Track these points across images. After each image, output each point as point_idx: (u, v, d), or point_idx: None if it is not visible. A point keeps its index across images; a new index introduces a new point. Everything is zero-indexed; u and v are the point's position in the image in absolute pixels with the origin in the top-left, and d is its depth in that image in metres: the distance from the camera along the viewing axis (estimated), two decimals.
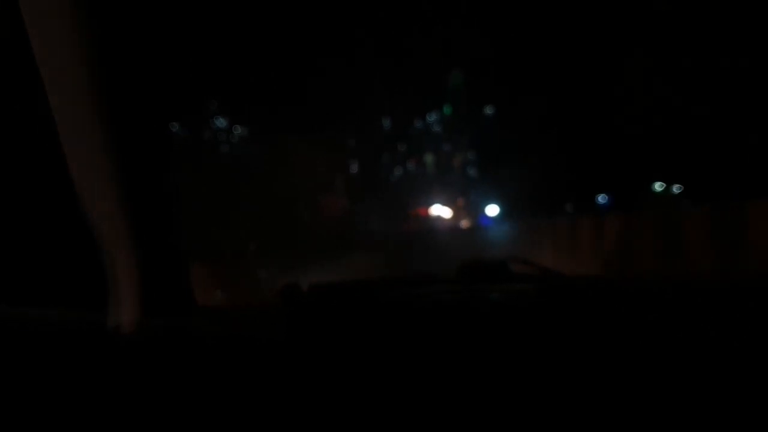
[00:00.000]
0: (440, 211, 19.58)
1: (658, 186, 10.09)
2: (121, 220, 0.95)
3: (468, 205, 19.26)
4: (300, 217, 12.64)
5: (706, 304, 1.08)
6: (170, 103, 1.13)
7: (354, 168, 19.02)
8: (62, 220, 0.93)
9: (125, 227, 0.95)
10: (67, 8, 0.87)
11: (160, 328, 0.95)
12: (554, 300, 1.13)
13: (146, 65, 1.00)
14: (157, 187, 1.02)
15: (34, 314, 0.86)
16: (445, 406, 0.68)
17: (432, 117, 21.22)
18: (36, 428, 0.66)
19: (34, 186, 0.93)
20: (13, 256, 0.91)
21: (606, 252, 5.99)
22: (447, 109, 20.61)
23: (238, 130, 15.46)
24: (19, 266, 0.91)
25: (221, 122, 15.16)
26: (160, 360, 0.82)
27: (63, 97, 0.89)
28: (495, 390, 0.72)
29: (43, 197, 0.93)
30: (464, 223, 17.86)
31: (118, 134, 0.94)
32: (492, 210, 16.78)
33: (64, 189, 0.92)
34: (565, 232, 7.02)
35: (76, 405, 0.69)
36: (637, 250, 5.72)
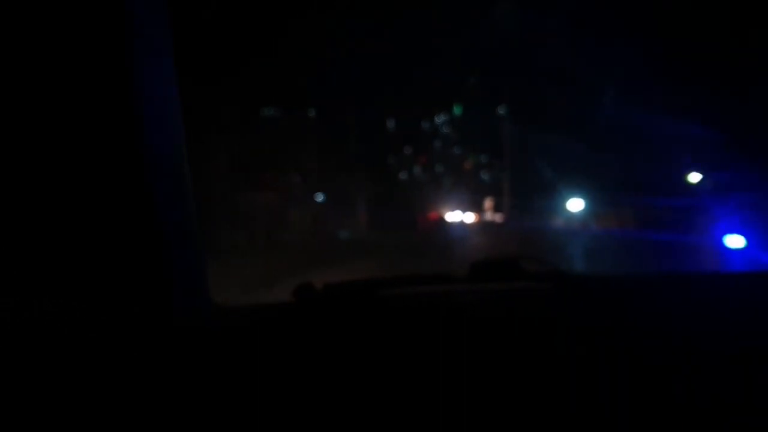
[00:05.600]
0: (458, 215, 18.87)
1: None
2: (129, 214, 0.94)
3: (497, 204, 17.84)
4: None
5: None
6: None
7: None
8: (68, 215, 0.92)
9: (133, 221, 0.93)
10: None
11: (158, 325, 0.94)
12: (564, 299, 1.15)
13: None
14: (169, 182, 0.99)
15: (35, 305, 0.87)
16: (438, 401, 0.72)
17: (441, 118, 20.81)
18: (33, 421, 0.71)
19: (51, 184, 0.92)
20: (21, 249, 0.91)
21: None
22: (457, 109, 20.15)
23: None
24: (26, 258, 0.91)
25: None
26: (155, 353, 0.84)
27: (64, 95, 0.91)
28: (493, 387, 0.75)
29: (54, 193, 0.93)
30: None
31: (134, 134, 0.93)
32: (575, 205, 13.58)
33: (75, 186, 0.92)
34: None
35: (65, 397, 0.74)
36: None
